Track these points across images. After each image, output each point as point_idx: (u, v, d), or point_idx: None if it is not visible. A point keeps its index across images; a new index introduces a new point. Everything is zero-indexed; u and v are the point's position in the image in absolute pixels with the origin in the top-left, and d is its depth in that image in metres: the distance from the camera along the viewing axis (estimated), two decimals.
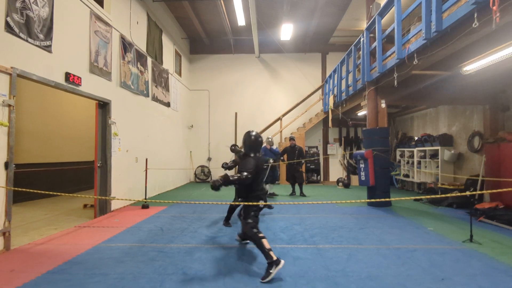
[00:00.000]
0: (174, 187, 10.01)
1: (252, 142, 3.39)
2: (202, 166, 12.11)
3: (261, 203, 3.30)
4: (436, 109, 8.79)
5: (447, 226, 4.90)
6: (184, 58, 11.77)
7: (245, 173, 3.05)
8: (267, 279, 2.84)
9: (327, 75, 11.31)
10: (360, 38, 7.20)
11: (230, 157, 11.92)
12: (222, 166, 5.12)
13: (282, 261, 2.94)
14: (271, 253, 2.95)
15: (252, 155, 3.34)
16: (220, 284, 2.81)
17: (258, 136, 3.45)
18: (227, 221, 5.00)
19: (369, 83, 6.86)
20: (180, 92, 11.06)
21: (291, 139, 8.39)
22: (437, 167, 7.93)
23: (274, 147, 8.24)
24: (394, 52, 5.46)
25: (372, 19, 6.41)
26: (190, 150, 12.17)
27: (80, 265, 3.28)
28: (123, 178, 6.59)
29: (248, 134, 3.45)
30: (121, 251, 3.74)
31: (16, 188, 3.73)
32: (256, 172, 3.21)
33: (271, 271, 2.87)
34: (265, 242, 3.02)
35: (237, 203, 4.50)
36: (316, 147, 12.12)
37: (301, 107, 11.78)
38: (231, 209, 4.97)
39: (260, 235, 3.08)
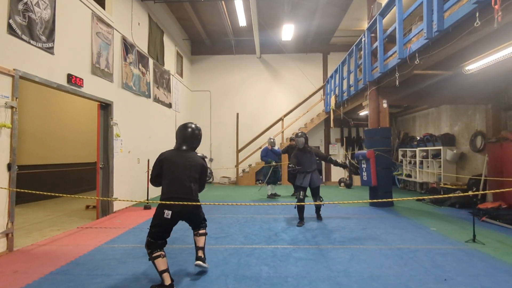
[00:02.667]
0: None
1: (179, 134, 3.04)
2: None
3: (166, 213, 2.72)
4: (438, 109, 8.76)
5: (449, 226, 4.88)
6: (186, 59, 11.79)
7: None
8: None
9: (329, 75, 11.30)
10: (361, 38, 7.19)
11: (231, 157, 11.94)
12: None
13: None
14: (164, 275, 2.62)
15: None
16: (222, 285, 2.81)
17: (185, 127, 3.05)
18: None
19: (370, 83, 6.85)
20: (182, 93, 11.08)
21: (292, 139, 8.38)
22: (440, 167, 7.90)
23: (276, 147, 8.24)
24: (395, 52, 5.45)
25: (373, 19, 6.40)
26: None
27: (83, 266, 3.29)
28: (125, 179, 6.61)
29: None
30: (124, 252, 3.74)
31: (19, 190, 3.74)
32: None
33: None
34: (158, 262, 2.64)
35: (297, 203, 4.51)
36: (318, 148, 12.10)
37: (302, 108, 11.78)
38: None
39: (154, 254, 2.66)
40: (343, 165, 5.74)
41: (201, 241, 3.11)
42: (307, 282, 2.86)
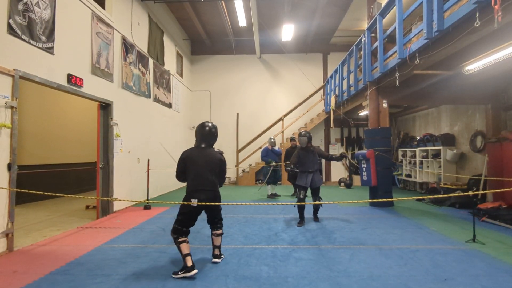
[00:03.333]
0: (176, 188, 10.02)
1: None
2: None
3: (194, 202, 3.10)
4: (438, 109, 8.76)
5: (449, 226, 4.88)
6: (186, 59, 11.79)
7: None
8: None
9: (329, 75, 11.30)
10: (361, 38, 7.19)
11: (231, 157, 11.93)
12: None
13: (194, 271, 2.95)
14: (187, 258, 2.99)
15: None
16: (222, 285, 2.81)
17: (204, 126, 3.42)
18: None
19: (370, 83, 6.85)
20: (182, 93, 11.08)
21: (292, 139, 8.37)
22: (439, 167, 7.90)
23: (276, 147, 8.23)
24: (395, 52, 5.45)
25: (373, 19, 6.40)
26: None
27: (83, 266, 3.29)
28: (125, 179, 6.61)
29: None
30: (124, 252, 3.74)
31: (19, 190, 3.75)
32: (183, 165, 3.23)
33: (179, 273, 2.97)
34: (182, 246, 3.03)
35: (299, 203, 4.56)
36: (318, 147, 12.10)
37: (302, 108, 11.77)
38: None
39: (180, 239, 3.05)
40: (339, 158, 5.43)
41: (218, 240, 3.44)
42: (307, 282, 2.86)
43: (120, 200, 4.16)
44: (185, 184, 3.30)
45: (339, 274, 3.05)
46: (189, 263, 2.97)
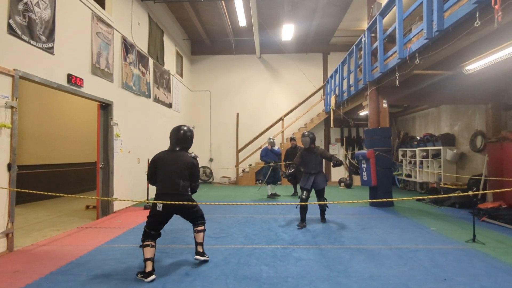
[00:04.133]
0: None
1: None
2: (204, 167, 12.11)
3: (159, 205, 3.06)
4: (438, 109, 8.76)
5: (449, 226, 4.88)
6: (186, 59, 11.79)
7: None
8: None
9: (329, 75, 11.30)
10: (361, 38, 7.19)
11: (231, 157, 11.94)
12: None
13: (151, 277, 2.90)
14: (147, 263, 2.96)
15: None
16: (222, 285, 2.81)
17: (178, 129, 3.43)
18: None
19: (370, 83, 6.85)
20: (182, 93, 11.08)
21: (292, 139, 8.38)
22: (440, 167, 7.90)
23: (276, 147, 8.23)
24: (395, 51, 5.45)
25: (373, 19, 6.39)
26: (192, 151, 12.15)
27: (83, 266, 3.29)
28: (125, 179, 6.61)
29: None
30: (124, 252, 3.75)
31: (19, 189, 3.74)
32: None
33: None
34: (145, 250, 2.99)
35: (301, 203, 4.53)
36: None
37: (302, 108, 11.77)
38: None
39: (145, 243, 3.01)
40: (337, 164, 5.18)
41: (199, 237, 3.37)
42: (307, 282, 2.86)
43: (120, 200, 4.16)
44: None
45: (339, 274, 3.05)
46: (148, 269, 2.92)
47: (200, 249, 3.35)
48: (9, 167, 3.78)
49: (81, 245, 4.01)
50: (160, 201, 3.04)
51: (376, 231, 4.61)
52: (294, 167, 5.20)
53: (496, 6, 3.06)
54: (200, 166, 12.06)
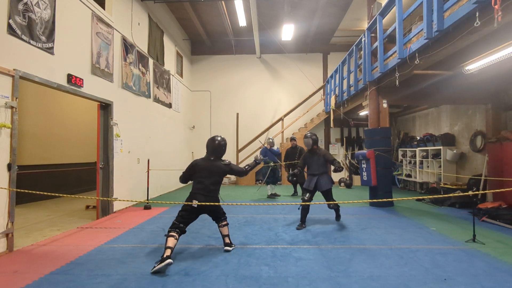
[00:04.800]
0: (176, 188, 10.02)
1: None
2: None
3: (195, 202, 3.52)
4: (438, 109, 8.76)
5: (449, 226, 4.88)
6: (186, 59, 11.79)
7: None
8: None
9: (329, 75, 11.30)
10: (361, 38, 7.19)
11: (231, 157, 11.93)
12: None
13: (168, 260, 3.08)
14: (167, 250, 3.21)
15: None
16: (222, 285, 2.81)
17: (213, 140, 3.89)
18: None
19: (370, 83, 6.85)
20: (182, 93, 11.08)
21: (292, 139, 8.38)
22: (440, 166, 7.90)
23: (275, 147, 8.22)
24: (395, 51, 5.45)
25: (373, 19, 6.40)
26: (192, 151, 12.19)
27: (83, 266, 3.29)
28: (125, 179, 6.61)
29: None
30: (124, 252, 3.74)
31: (19, 190, 3.75)
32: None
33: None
34: (169, 239, 3.30)
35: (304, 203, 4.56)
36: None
37: (302, 108, 11.78)
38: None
39: (170, 233, 3.37)
40: (337, 170, 5.12)
41: (224, 230, 3.81)
42: (307, 282, 2.86)
43: (120, 200, 4.16)
44: (184, 185, 3.46)
45: (339, 274, 3.05)
46: (166, 253, 3.16)
47: (227, 240, 3.81)
48: (9, 167, 3.78)
49: (81, 245, 4.00)
50: (194, 200, 3.53)
51: (376, 231, 4.61)
52: (298, 169, 5.20)
53: (496, 6, 3.06)
54: None
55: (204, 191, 3.61)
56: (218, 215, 3.78)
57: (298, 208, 5.04)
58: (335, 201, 5.10)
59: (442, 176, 7.74)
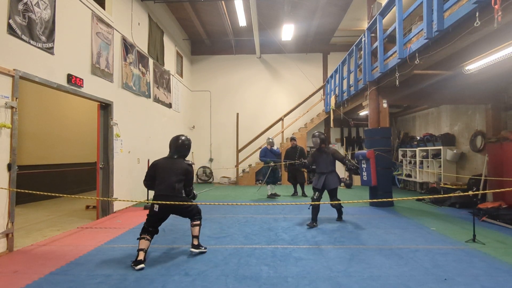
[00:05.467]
0: None
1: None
2: (204, 167, 12.12)
3: (155, 207, 3.40)
4: (438, 109, 8.76)
5: (449, 226, 4.88)
6: (186, 59, 11.79)
7: None
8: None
9: (329, 75, 11.30)
10: (361, 38, 7.19)
11: (231, 157, 11.94)
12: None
13: (140, 265, 3.16)
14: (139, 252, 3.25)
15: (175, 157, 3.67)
16: (222, 285, 2.81)
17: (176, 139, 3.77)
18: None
19: (370, 83, 6.85)
20: (182, 93, 11.08)
21: (292, 139, 8.38)
22: (440, 166, 7.90)
23: (275, 147, 8.23)
24: (395, 51, 5.45)
25: (373, 19, 6.40)
26: (192, 151, 12.15)
27: (83, 266, 3.29)
28: (125, 179, 6.61)
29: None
30: (124, 252, 3.74)
31: (19, 190, 3.74)
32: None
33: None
34: (141, 242, 3.33)
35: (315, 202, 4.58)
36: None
37: (302, 108, 11.78)
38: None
39: (142, 236, 3.38)
40: (353, 171, 5.30)
41: (194, 230, 3.62)
42: (307, 282, 2.86)
43: (120, 200, 4.17)
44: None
45: (339, 274, 3.05)
46: (139, 257, 3.21)
47: (195, 242, 3.60)
48: (9, 167, 3.78)
49: (81, 245, 4.01)
50: (156, 202, 3.36)
51: (376, 231, 4.61)
52: (307, 162, 5.30)
53: (496, 6, 3.06)
54: (200, 166, 12.11)
55: (167, 191, 3.43)
56: (189, 215, 3.61)
57: (309, 208, 5.06)
58: (339, 200, 5.14)
59: (442, 176, 7.74)
